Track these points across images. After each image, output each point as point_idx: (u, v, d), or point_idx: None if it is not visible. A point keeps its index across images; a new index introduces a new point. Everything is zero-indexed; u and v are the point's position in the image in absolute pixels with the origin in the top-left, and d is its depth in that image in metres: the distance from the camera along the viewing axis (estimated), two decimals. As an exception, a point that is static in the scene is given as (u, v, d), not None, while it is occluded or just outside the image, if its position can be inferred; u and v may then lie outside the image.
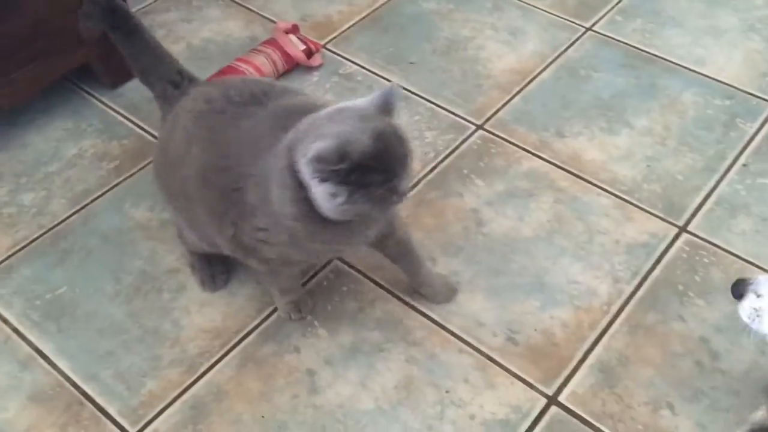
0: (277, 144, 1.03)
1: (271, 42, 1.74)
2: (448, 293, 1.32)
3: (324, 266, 1.38)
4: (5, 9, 1.43)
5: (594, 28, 1.84)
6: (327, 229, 1.03)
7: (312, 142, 0.95)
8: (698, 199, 1.47)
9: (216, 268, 1.34)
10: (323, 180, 0.95)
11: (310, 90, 1.70)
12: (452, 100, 1.68)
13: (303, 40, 1.75)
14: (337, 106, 1.02)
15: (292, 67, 1.74)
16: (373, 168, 0.95)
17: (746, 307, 0.97)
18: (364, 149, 0.93)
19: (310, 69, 1.75)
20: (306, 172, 0.96)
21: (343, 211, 0.97)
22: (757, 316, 0.97)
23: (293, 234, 1.05)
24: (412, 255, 1.26)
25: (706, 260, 1.37)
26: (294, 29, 1.78)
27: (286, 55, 1.72)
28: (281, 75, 1.72)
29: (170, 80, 1.25)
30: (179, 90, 1.24)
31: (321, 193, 0.96)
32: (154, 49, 1.28)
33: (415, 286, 1.31)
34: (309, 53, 1.74)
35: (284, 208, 1.02)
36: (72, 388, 1.22)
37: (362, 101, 1.01)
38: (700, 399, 1.19)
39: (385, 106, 1.00)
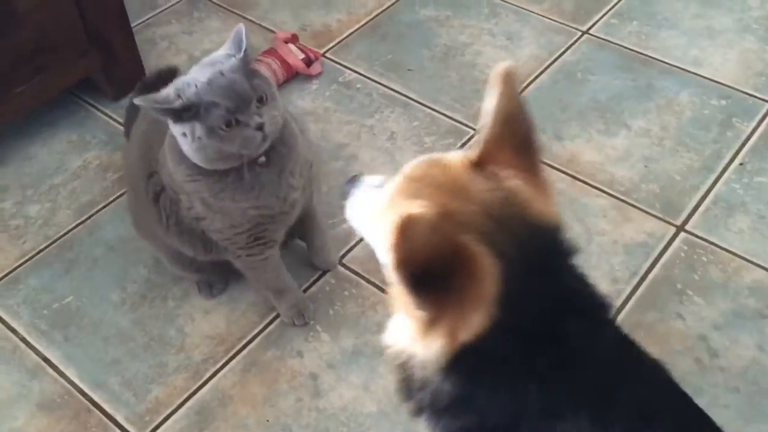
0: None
1: (271, 52, 1.76)
2: (331, 264, 1.39)
3: (324, 273, 1.39)
4: (8, 24, 1.46)
5: (590, 32, 1.86)
6: (225, 183, 1.08)
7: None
8: (696, 199, 1.49)
9: (214, 277, 1.36)
10: (173, 121, 1.02)
11: (310, 98, 1.73)
12: (450, 105, 1.70)
13: (302, 49, 1.77)
14: (203, 61, 1.09)
15: (292, 76, 1.76)
16: (211, 103, 1.00)
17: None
18: (199, 86, 1.01)
19: (309, 78, 1.77)
20: (153, 113, 1.04)
21: (198, 149, 1.03)
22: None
23: (201, 197, 1.10)
24: (317, 227, 1.33)
25: (704, 259, 1.38)
26: (293, 39, 1.80)
27: (286, 65, 1.74)
28: (281, 84, 1.74)
29: None
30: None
31: (177, 137, 1.04)
32: None
33: (312, 255, 1.37)
34: (308, 62, 1.77)
35: (178, 171, 1.09)
36: (80, 396, 1.24)
37: (220, 50, 1.09)
38: (700, 396, 1.19)
39: (237, 47, 1.06)
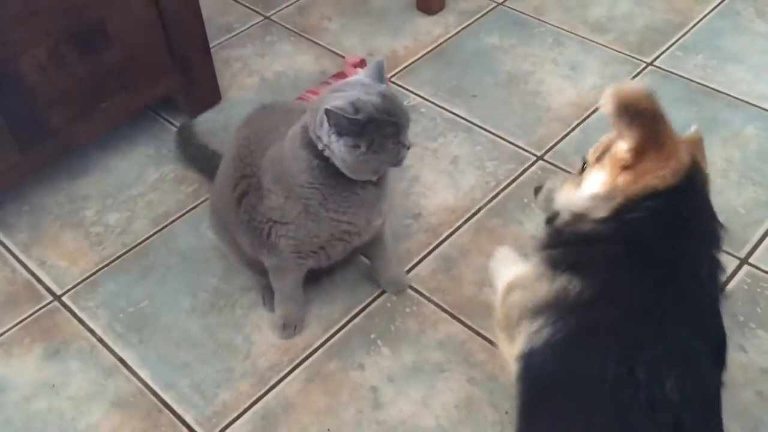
0: (282, 133, 1.18)
1: (340, 75, 1.83)
2: (401, 285, 1.42)
3: (383, 292, 1.44)
4: (99, 44, 1.55)
5: (655, 63, 1.88)
6: (339, 195, 1.15)
7: (323, 106, 1.07)
8: (760, 232, 1.48)
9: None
10: (342, 134, 1.07)
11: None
12: (513, 131, 1.73)
13: None
14: (337, 84, 1.15)
15: None
16: (384, 121, 1.07)
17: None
18: (375, 104, 1.07)
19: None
20: (324, 129, 1.08)
21: (362, 162, 1.09)
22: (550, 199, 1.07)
23: (307, 204, 1.16)
24: (384, 249, 1.38)
25: (767, 292, 1.38)
26: (362, 63, 1.87)
27: None
28: (349, 106, 1.80)
29: None
30: None
31: (342, 147, 1.08)
32: None
33: (377, 275, 1.41)
34: None
35: (299, 177, 1.14)
36: (152, 396, 1.30)
37: (356, 76, 1.15)
38: (760, 429, 1.19)
39: (378, 78, 1.14)
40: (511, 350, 1.00)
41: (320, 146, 1.11)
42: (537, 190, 1.15)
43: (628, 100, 0.91)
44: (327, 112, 1.05)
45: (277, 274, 1.32)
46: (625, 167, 0.92)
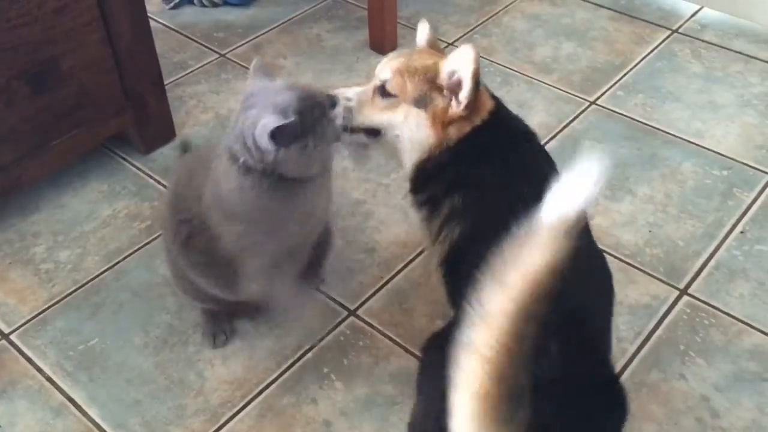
0: (205, 175, 1.21)
1: None
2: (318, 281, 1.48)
3: (339, 323, 1.45)
4: (52, 81, 1.56)
5: (597, 102, 1.96)
6: (294, 197, 1.17)
7: (251, 129, 1.08)
8: (698, 264, 1.55)
9: (218, 328, 1.42)
10: (289, 144, 1.09)
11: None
12: (464, 167, 1.78)
13: None
14: (242, 100, 1.15)
15: None
16: (310, 107, 1.10)
17: (339, 111, 1.20)
18: (292, 99, 1.09)
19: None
20: (266, 148, 1.08)
21: (314, 156, 1.13)
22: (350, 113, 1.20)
23: (271, 220, 1.18)
24: (329, 243, 1.42)
25: (706, 322, 1.43)
26: None
27: None
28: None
29: None
30: None
31: (293, 153, 1.10)
32: None
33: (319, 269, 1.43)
34: None
35: (253, 203, 1.15)
36: (101, 435, 1.29)
37: (250, 87, 1.16)
38: (702, 455, 1.24)
39: (266, 75, 1.17)
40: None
41: (260, 167, 1.12)
42: (329, 100, 1.20)
43: (477, 69, 1.11)
44: (272, 134, 1.06)
45: (266, 286, 1.28)
46: (452, 121, 1.15)
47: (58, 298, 1.51)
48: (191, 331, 1.44)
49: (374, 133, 1.21)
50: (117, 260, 1.58)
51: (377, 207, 1.69)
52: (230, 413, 1.31)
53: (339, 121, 1.20)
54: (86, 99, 1.64)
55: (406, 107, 1.17)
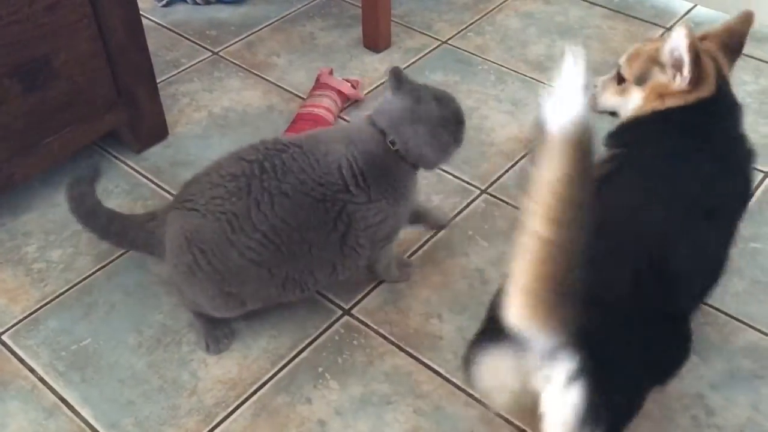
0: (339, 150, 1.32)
1: (323, 86, 1.88)
2: (404, 273, 1.53)
3: (334, 322, 1.44)
4: (43, 79, 1.55)
5: (592, 100, 1.95)
6: (414, 178, 1.39)
7: (413, 141, 1.33)
8: (693, 262, 1.54)
9: (219, 332, 1.40)
10: (443, 136, 1.35)
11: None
12: (458, 165, 1.78)
13: (344, 80, 1.94)
14: (404, 93, 1.35)
15: (344, 104, 1.92)
16: (450, 116, 1.37)
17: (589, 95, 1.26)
18: (445, 106, 1.36)
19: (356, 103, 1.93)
20: (437, 135, 1.34)
21: (451, 151, 1.39)
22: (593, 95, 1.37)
23: (406, 196, 1.37)
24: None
25: (701, 320, 1.43)
26: (331, 72, 1.97)
27: (341, 94, 1.89)
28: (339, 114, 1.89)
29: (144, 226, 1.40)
30: (156, 220, 1.38)
31: (435, 140, 1.34)
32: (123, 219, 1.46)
33: (372, 265, 1.47)
34: (354, 88, 1.94)
35: (402, 178, 1.35)
36: (94, 436, 1.28)
37: (392, 96, 1.36)
38: (697, 453, 1.24)
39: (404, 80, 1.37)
40: None
41: (403, 152, 1.33)
42: (591, 90, 1.37)
43: (693, 43, 1.18)
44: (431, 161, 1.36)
45: (388, 258, 1.46)
46: (671, 93, 1.23)
47: (50, 298, 1.50)
48: (185, 331, 1.43)
49: (614, 114, 1.37)
50: (110, 260, 1.57)
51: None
52: (224, 413, 1.31)
53: (578, 104, 1.27)
54: (78, 97, 1.62)
55: (632, 87, 1.31)
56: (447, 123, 1.35)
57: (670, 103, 1.24)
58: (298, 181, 1.26)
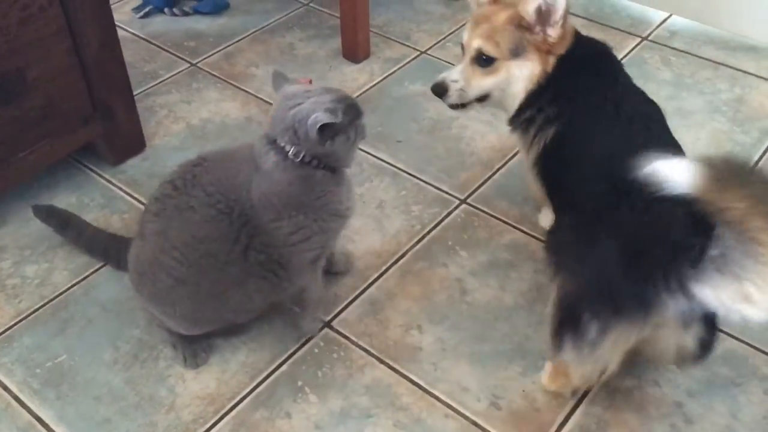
0: (246, 173, 1.26)
1: None
2: (348, 264, 1.55)
3: (311, 337, 1.44)
4: (18, 92, 1.53)
5: (570, 109, 1.96)
6: (339, 188, 1.29)
7: (304, 122, 1.20)
8: (670, 270, 1.55)
9: (197, 345, 1.39)
10: (334, 136, 1.21)
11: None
12: (437, 176, 1.78)
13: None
14: (287, 99, 1.25)
15: None
16: (348, 107, 1.23)
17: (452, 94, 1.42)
18: (336, 100, 1.22)
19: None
20: (314, 140, 1.20)
21: (352, 148, 1.27)
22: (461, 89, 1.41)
23: (323, 209, 1.27)
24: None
25: (679, 327, 1.44)
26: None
27: None
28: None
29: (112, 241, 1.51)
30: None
31: (339, 144, 1.23)
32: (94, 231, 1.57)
33: (332, 260, 1.49)
34: None
35: (308, 193, 1.25)
36: (69, 454, 1.26)
37: (292, 88, 1.27)
38: (676, 461, 1.24)
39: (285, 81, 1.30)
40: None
41: (308, 158, 1.23)
42: (439, 89, 1.43)
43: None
44: (321, 128, 1.19)
45: (314, 286, 1.37)
46: (550, 49, 1.32)
47: (25, 314, 1.48)
48: (162, 346, 1.42)
49: (483, 99, 1.41)
50: (85, 274, 1.55)
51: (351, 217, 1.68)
52: (203, 429, 1.29)
53: (451, 101, 1.43)
54: (53, 110, 1.61)
55: (506, 63, 1.34)
56: (344, 113, 1.21)
57: (554, 57, 1.32)
58: (205, 193, 1.25)
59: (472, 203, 1.71)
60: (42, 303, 1.50)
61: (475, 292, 1.51)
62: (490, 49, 1.33)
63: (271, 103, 1.98)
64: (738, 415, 1.30)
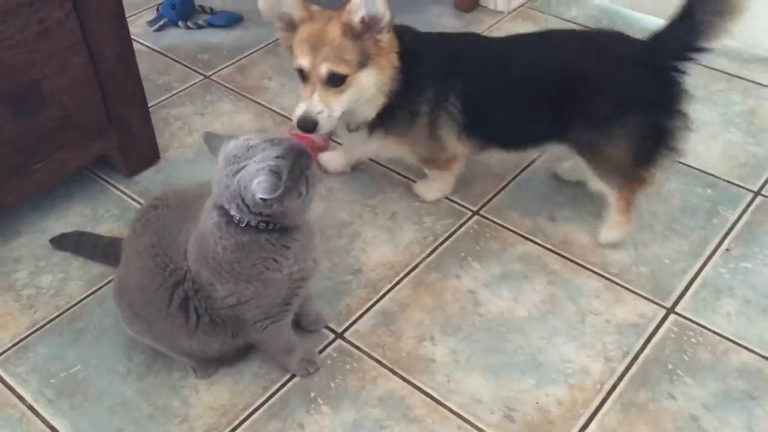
0: (189, 227, 1.24)
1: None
2: (323, 321, 1.47)
3: (326, 346, 1.44)
4: (34, 104, 1.54)
5: (582, 121, 1.96)
6: (286, 250, 1.19)
7: (245, 190, 1.11)
8: (685, 282, 1.55)
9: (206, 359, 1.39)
10: (282, 198, 1.11)
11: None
12: (450, 187, 1.78)
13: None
14: (226, 164, 1.14)
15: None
16: (296, 158, 1.12)
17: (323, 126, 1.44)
18: (279, 156, 1.11)
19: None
20: (265, 205, 1.12)
21: (306, 203, 1.17)
22: (328, 116, 1.42)
23: (261, 276, 1.19)
24: (310, 293, 1.43)
25: (693, 340, 1.43)
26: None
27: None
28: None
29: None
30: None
31: (291, 205, 1.14)
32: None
33: (300, 317, 1.42)
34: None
35: (246, 259, 1.17)
36: (83, 465, 1.26)
37: (226, 149, 1.16)
38: (692, 475, 1.23)
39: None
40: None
41: (254, 222, 1.15)
42: (309, 125, 1.44)
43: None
44: (262, 197, 1.10)
45: (272, 343, 1.33)
46: (389, 51, 1.42)
47: (40, 325, 1.48)
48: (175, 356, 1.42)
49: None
50: (100, 285, 1.56)
51: (363, 228, 1.68)
52: (215, 440, 1.29)
53: (326, 131, 1.46)
54: (69, 122, 1.62)
55: (357, 75, 1.39)
56: (290, 170, 1.11)
57: (394, 53, 1.42)
58: (150, 243, 1.27)
59: (484, 214, 1.71)
60: (57, 313, 1.51)
61: (488, 304, 1.51)
62: (341, 69, 1.37)
63: (284, 116, 1.99)
64: (754, 428, 1.29)
